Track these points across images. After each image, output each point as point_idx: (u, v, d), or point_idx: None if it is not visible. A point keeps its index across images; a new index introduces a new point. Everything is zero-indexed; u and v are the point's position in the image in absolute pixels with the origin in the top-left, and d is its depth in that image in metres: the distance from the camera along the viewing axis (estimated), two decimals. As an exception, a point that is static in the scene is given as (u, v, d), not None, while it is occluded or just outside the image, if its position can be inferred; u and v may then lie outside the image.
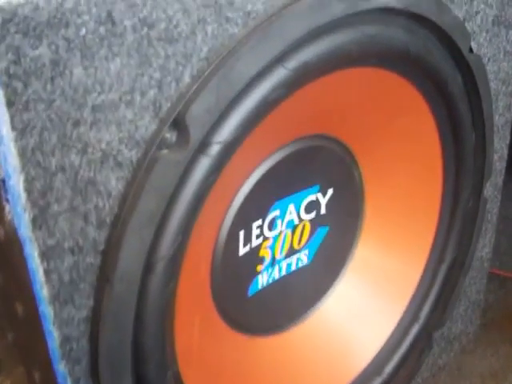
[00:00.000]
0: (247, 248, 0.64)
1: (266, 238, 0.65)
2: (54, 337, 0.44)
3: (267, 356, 0.68)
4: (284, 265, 0.69)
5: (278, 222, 0.66)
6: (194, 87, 0.44)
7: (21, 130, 0.38)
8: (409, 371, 0.79)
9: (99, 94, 0.41)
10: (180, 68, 0.44)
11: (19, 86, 0.37)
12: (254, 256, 0.65)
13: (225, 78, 0.44)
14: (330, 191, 0.69)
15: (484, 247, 0.83)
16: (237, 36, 0.45)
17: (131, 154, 0.43)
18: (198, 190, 0.46)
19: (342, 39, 0.51)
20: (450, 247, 0.76)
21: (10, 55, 0.36)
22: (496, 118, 0.72)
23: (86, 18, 0.38)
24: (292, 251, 0.69)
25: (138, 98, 0.42)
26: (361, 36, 0.52)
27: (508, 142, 0.78)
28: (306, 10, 0.47)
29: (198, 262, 0.56)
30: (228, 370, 0.63)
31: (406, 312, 0.76)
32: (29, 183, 0.39)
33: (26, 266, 0.42)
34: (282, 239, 0.67)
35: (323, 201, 0.69)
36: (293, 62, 0.48)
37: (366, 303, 0.74)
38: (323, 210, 0.69)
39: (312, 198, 0.68)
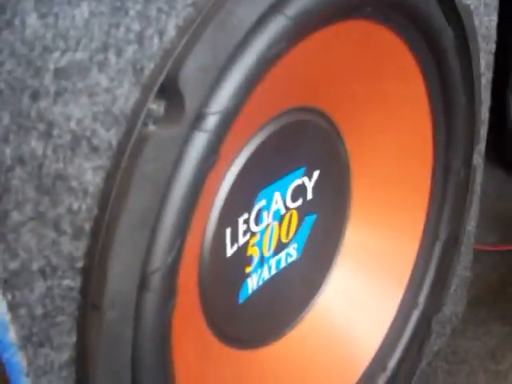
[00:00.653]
0: (235, 247, 0.54)
1: (253, 234, 0.56)
2: (27, 393, 0.32)
3: (267, 367, 0.59)
4: (273, 262, 0.60)
5: (265, 214, 0.56)
6: (184, 40, 0.33)
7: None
8: (411, 364, 0.71)
9: (63, 52, 0.29)
10: (163, 17, 0.33)
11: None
12: (242, 256, 0.55)
13: (222, 26, 0.34)
14: (316, 173, 0.60)
15: (470, 220, 0.77)
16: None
17: (109, 135, 0.32)
18: (195, 178, 0.36)
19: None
20: (443, 222, 0.69)
21: None
22: (478, 78, 0.66)
23: None
24: (280, 246, 0.60)
25: (113, 57, 0.31)
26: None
27: (489, 104, 0.72)
28: None
29: (188, 271, 0.46)
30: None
31: (404, 298, 0.68)
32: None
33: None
34: (270, 233, 0.58)
35: (309, 184, 0.60)
36: (293, 10, 0.39)
37: (364, 292, 0.66)
38: (310, 195, 0.61)
39: (298, 182, 0.59)
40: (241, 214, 0.53)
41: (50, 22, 0.28)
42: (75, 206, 0.32)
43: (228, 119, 0.37)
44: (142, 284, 0.34)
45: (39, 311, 0.32)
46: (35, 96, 0.29)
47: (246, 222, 0.54)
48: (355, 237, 0.66)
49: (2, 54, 0.27)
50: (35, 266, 0.31)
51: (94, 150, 0.32)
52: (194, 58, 0.33)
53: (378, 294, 0.67)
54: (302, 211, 0.61)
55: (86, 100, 0.31)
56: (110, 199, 0.32)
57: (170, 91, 0.33)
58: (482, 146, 0.74)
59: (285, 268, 0.61)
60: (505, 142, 1.11)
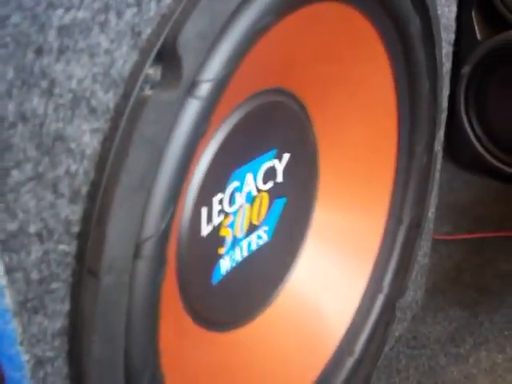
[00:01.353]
0: (210, 227, 0.54)
1: (226, 215, 0.56)
2: (20, 363, 0.31)
3: (240, 348, 0.59)
4: (245, 244, 0.60)
5: (237, 195, 0.57)
6: (182, 5, 0.33)
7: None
8: (376, 347, 0.73)
9: (66, 9, 0.29)
10: (161, -20, 0.33)
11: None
12: (216, 236, 0.55)
13: (219, -7, 0.34)
14: (286, 156, 0.61)
15: (430, 207, 0.80)
16: None
17: (107, 98, 0.32)
18: (189, 144, 0.36)
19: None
20: (407, 206, 0.71)
21: None
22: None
23: None
24: (252, 228, 0.60)
25: (113, 19, 0.31)
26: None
27: (448, 92, 0.75)
28: None
29: (170, 245, 0.45)
30: (205, 370, 0.53)
31: (370, 281, 0.70)
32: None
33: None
34: (242, 215, 0.58)
35: (280, 167, 0.61)
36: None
37: (332, 273, 0.68)
38: (280, 178, 0.61)
39: (269, 164, 0.60)
40: (215, 194, 0.53)
41: (54, -23, 0.28)
42: (73, 168, 0.31)
43: (219, 88, 0.37)
44: (137, 250, 0.34)
45: (35, 276, 0.31)
46: (39, 52, 0.28)
47: (220, 202, 0.54)
48: (323, 218, 0.67)
49: (9, 6, 0.26)
50: (32, 229, 0.30)
51: (93, 111, 0.31)
52: (192, 23, 0.33)
53: (346, 275, 0.68)
54: (273, 194, 0.61)
55: (87, 60, 0.30)
56: (107, 162, 0.32)
57: (167, 56, 0.33)
58: (441, 133, 0.76)
59: (256, 250, 0.61)
60: (454, 136, 1.15)
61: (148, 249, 0.35)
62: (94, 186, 0.32)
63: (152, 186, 0.34)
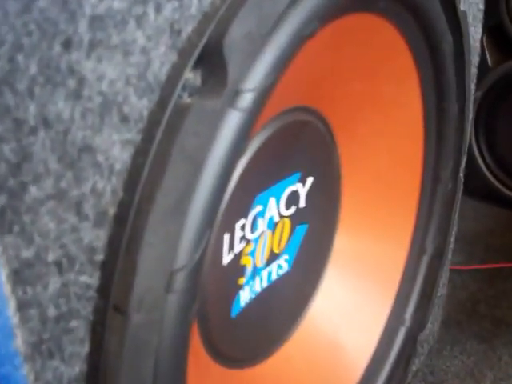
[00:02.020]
0: (231, 255, 0.49)
1: (248, 242, 0.51)
2: (30, 416, 0.26)
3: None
4: (265, 274, 0.55)
5: (260, 221, 0.52)
6: (228, 3, 0.29)
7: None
8: (397, 383, 0.68)
9: (101, -3, 0.24)
10: (204, -27, 0.29)
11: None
12: (237, 265, 0.50)
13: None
14: (310, 180, 0.57)
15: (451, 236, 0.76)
16: None
17: (142, 104, 0.27)
18: (228, 162, 0.31)
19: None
20: (430, 235, 0.67)
21: None
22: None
23: None
24: (272, 257, 0.55)
25: (152, 13, 0.27)
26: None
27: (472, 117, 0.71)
28: None
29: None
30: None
31: (391, 314, 0.65)
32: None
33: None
34: (263, 242, 0.54)
35: (303, 191, 0.57)
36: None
37: (351, 306, 0.63)
38: (302, 203, 0.57)
39: (293, 188, 0.55)
40: (238, 219, 0.49)
41: (89, -42, 0.24)
42: (99, 185, 0.26)
43: (261, 99, 0.33)
44: (168, 283, 0.29)
45: (52, 313, 0.26)
46: (67, 45, 0.24)
47: (243, 228, 0.50)
48: (344, 246, 0.63)
49: (35, -13, 0.22)
50: (51, 257, 0.25)
51: (124, 119, 0.27)
52: (239, 22, 0.29)
53: (367, 307, 0.64)
54: (295, 220, 0.57)
55: (121, 58, 0.26)
56: (139, 179, 0.27)
57: (210, 59, 0.29)
58: (463, 159, 0.72)
59: (275, 280, 0.56)
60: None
61: (180, 281, 0.30)
62: (123, 207, 0.27)
63: (188, 209, 0.29)
